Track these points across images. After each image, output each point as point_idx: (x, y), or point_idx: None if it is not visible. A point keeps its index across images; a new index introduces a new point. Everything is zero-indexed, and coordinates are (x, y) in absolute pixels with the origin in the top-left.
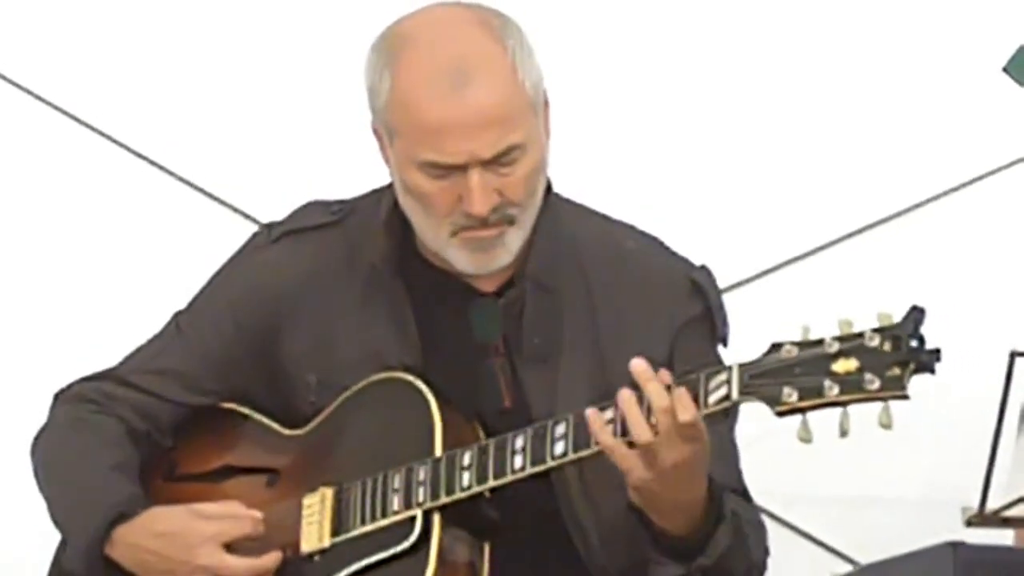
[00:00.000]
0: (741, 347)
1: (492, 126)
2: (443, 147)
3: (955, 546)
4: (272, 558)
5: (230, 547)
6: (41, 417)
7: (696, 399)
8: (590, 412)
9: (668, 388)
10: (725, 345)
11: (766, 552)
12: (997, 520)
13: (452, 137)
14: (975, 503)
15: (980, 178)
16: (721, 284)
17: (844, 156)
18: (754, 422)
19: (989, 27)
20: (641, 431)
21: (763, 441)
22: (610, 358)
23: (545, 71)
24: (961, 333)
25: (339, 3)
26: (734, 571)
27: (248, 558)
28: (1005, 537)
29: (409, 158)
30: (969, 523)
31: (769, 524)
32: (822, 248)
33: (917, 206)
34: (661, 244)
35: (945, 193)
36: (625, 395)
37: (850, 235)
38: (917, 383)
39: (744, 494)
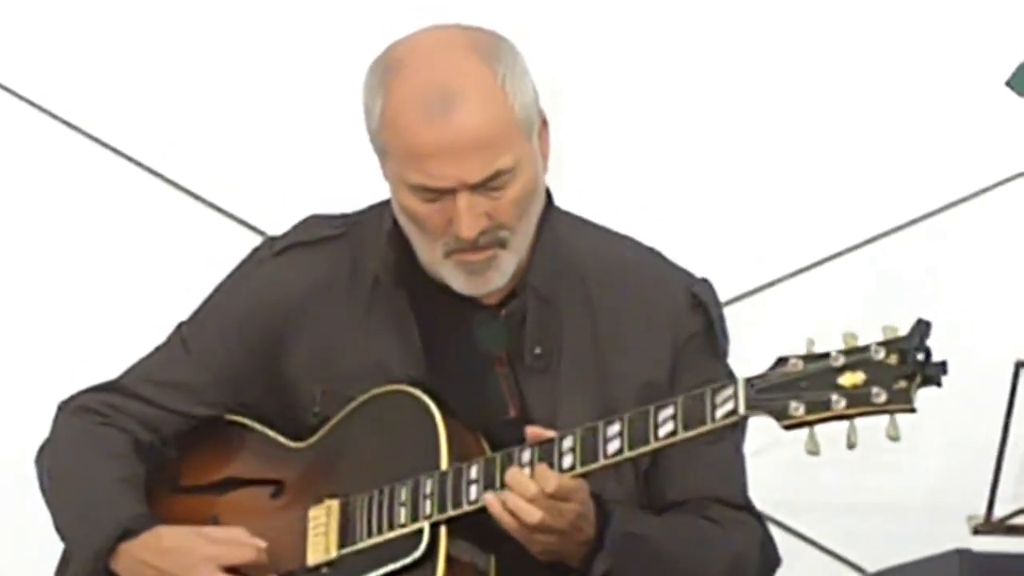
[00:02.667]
0: (746, 358)
1: (479, 151)
2: (430, 171)
3: (961, 554)
4: None
5: (232, 570)
6: (44, 426)
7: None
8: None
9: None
10: (724, 359)
11: (760, 567)
12: (1003, 528)
13: (438, 162)
14: (981, 511)
15: (984, 191)
16: (726, 296)
17: (848, 169)
18: (761, 431)
19: (992, 42)
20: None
21: (770, 450)
22: (611, 369)
23: (549, 81)
24: (967, 343)
25: (342, 16)
26: None
27: None
28: (1011, 545)
29: (400, 180)
30: (975, 531)
31: (776, 532)
32: (826, 260)
33: (922, 218)
34: (662, 256)
35: (950, 205)
36: (489, 497)
37: (855, 247)
38: (924, 391)
39: (745, 508)
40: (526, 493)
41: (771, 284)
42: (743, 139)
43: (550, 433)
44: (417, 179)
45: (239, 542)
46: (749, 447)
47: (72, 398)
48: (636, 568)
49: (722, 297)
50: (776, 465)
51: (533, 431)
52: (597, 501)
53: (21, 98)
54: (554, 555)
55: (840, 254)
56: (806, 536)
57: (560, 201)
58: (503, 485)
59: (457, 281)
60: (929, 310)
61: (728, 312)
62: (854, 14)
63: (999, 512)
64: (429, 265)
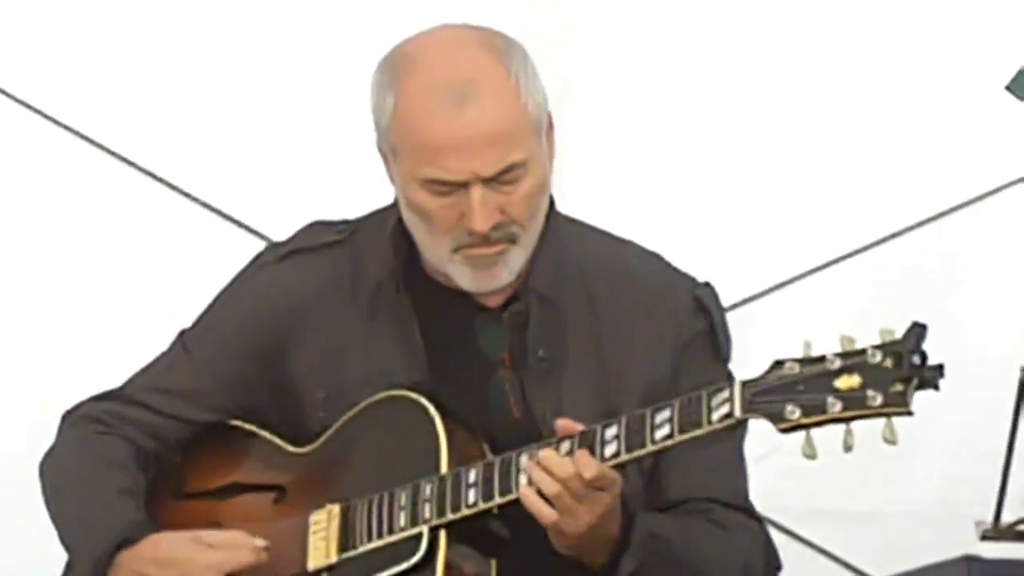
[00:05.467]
0: (747, 364)
1: (493, 144)
2: (445, 164)
3: (969, 560)
4: None
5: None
6: (46, 431)
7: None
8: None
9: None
10: (726, 363)
11: (763, 572)
12: (1012, 534)
13: (453, 154)
14: (989, 517)
15: (986, 195)
16: (727, 302)
17: (850, 175)
18: (766, 437)
19: (993, 46)
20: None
21: (776, 456)
22: (613, 373)
23: (551, 91)
24: (973, 349)
25: (349, 21)
26: None
27: None
28: (1020, 551)
29: (412, 176)
30: (983, 537)
31: (783, 539)
32: (827, 265)
33: (924, 223)
34: (664, 261)
35: (952, 210)
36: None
37: (857, 252)
38: (931, 397)
39: (746, 511)
40: (561, 472)
41: (773, 289)
42: (745, 145)
43: (579, 426)
44: (431, 173)
45: (237, 545)
46: (757, 452)
47: (75, 408)
48: (657, 570)
49: (724, 302)
50: (782, 471)
51: (563, 423)
52: (622, 500)
53: (28, 107)
54: (577, 549)
55: (842, 259)
56: (814, 543)
57: (565, 205)
58: (502, 490)
59: (464, 277)
60: (934, 316)
61: (730, 317)
62: (854, 21)
63: (1007, 518)
64: (435, 263)
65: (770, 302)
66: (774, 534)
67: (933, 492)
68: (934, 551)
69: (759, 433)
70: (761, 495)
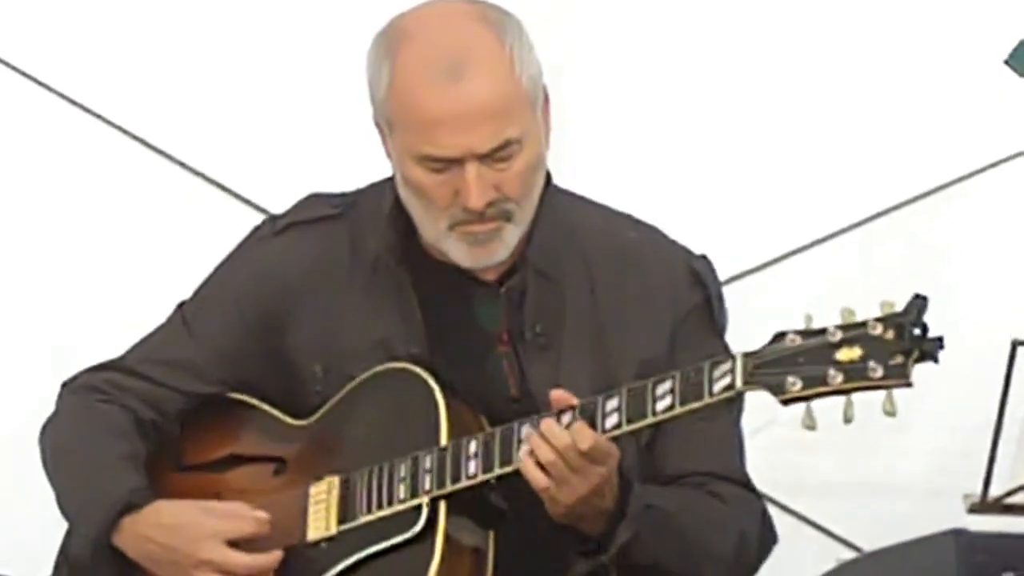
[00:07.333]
0: (746, 337)
1: (488, 120)
2: (439, 140)
3: (957, 533)
4: (274, 556)
5: (234, 544)
6: (47, 407)
7: (595, 423)
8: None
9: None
10: (722, 335)
11: (759, 544)
12: (999, 507)
13: (448, 130)
14: (978, 490)
15: (982, 170)
16: (726, 274)
17: (847, 148)
18: (759, 411)
19: (991, 20)
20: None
21: (769, 430)
22: (611, 347)
23: (548, 66)
24: (964, 322)
25: None
26: (657, 564)
27: (251, 554)
28: (1007, 524)
29: (407, 151)
30: (971, 510)
31: (774, 512)
32: (826, 239)
33: (920, 197)
34: (661, 234)
35: (948, 184)
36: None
37: (853, 226)
38: (920, 371)
39: (744, 484)
40: (558, 442)
41: (770, 263)
42: (742, 120)
43: (574, 400)
44: (426, 149)
45: (241, 515)
46: (748, 426)
47: (75, 377)
48: (654, 540)
49: (722, 275)
50: (774, 445)
51: (557, 395)
52: (619, 472)
53: (31, 78)
54: (571, 518)
55: (839, 233)
56: (804, 516)
57: (562, 180)
58: (503, 461)
59: (460, 253)
60: (926, 290)
61: (728, 290)
62: None
63: (995, 491)
64: (432, 239)
65: (765, 276)
66: None
67: (922, 466)
68: (923, 524)
69: (750, 408)
70: (752, 469)
